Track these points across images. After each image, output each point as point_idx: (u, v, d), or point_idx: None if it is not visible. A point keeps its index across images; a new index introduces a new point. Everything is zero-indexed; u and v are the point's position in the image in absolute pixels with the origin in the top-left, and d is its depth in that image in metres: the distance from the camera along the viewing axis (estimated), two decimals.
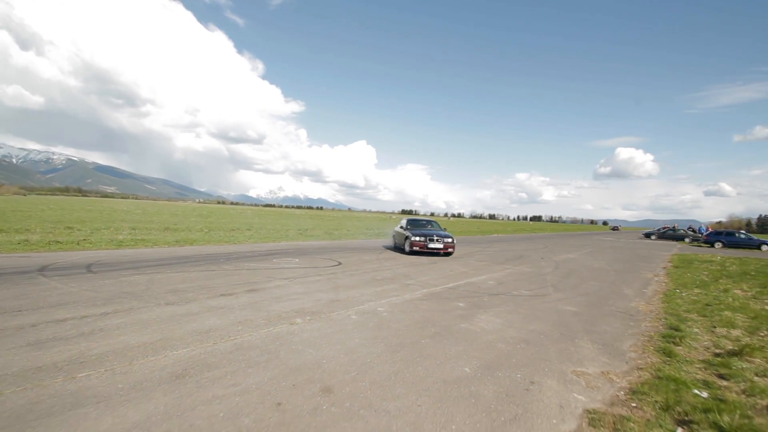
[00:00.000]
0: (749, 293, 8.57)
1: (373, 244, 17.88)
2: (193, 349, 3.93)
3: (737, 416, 2.96)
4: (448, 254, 13.84)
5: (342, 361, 3.79)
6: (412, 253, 13.59)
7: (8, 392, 2.94)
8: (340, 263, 10.67)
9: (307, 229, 28.35)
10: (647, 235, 41.92)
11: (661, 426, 2.87)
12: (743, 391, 3.51)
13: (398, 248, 15.26)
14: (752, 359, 4.30)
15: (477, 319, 5.62)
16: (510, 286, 8.38)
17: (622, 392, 3.46)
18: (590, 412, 3.06)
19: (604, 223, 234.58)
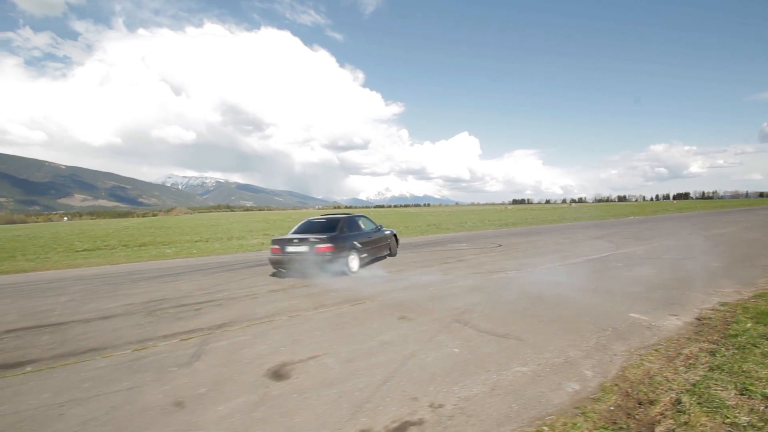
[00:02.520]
0: None
1: (508, 232, 20.27)
2: (474, 281, 7.28)
3: None
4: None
5: (557, 287, 6.70)
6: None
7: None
8: (500, 245, 13.56)
9: (435, 224, 31.81)
10: None
11: None
12: None
13: None
14: None
15: (635, 270, 7.96)
16: (658, 253, 10.20)
17: (747, 296, 5.65)
18: (722, 303, 5.41)
19: None
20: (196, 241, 21.65)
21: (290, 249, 8.20)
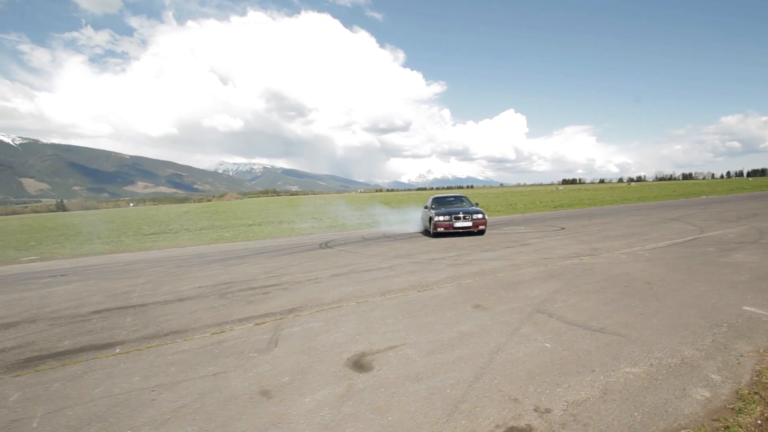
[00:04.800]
0: None
1: (566, 213, 19.06)
2: (546, 267, 6.79)
3: None
4: (481, 233, 11.86)
5: (645, 275, 6.04)
6: (437, 235, 11.80)
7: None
8: (563, 228, 12.71)
9: (483, 206, 30.78)
10: None
11: None
12: None
13: (427, 232, 13.31)
14: None
15: (732, 256, 7.02)
16: (753, 236, 8.99)
17: None
18: None
19: None
20: (250, 225, 22.50)
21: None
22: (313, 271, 7.59)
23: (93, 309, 5.68)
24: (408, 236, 13.09)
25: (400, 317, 4.59)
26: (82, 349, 4.08)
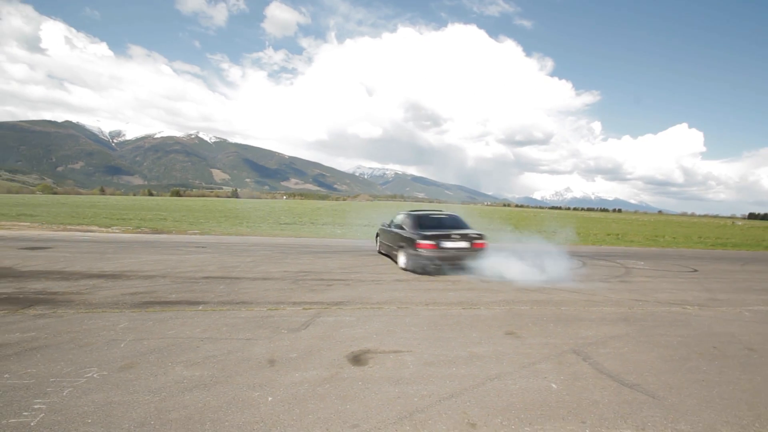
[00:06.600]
0: None
1: (720, 254, 15.36)
2: (629, 309, 5.95)
3: None
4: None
5: (752, 337, 4.79)
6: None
7: None
8: (695, 270, 10.48)
9: (618, 234, 26.71)
10: None
11: None
12: None
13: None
14: None
15: None
16: None
17: None
18: None
19: None
20: (365, 225, 24.31)
21: (449, 244, 7.97)
22: (381, 273, 8.09)
23: (205, 275, 7.26)
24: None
25: (425, 327, 4.72)
26: (180, 302, 5.39)
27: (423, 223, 8.85)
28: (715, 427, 2.78)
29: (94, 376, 3.20)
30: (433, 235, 8.00)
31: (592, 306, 6.04)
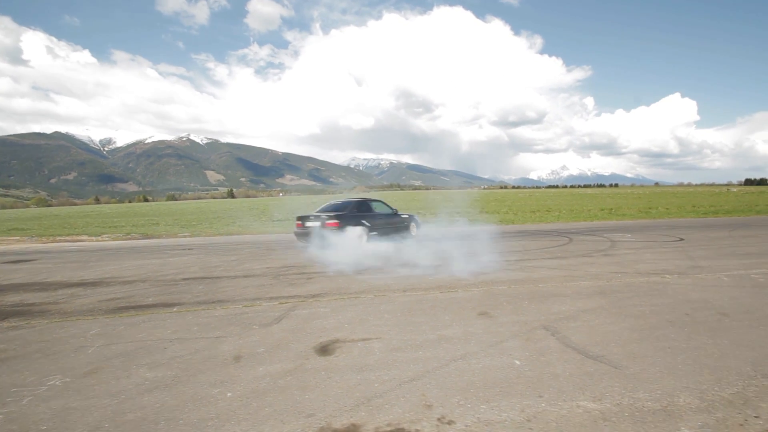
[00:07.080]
0: None
1: (710, 222, 15.43)
2: (606, 282, 5.97)
3: None
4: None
5: (726, 302, 4.81)
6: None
7: None
8: (681, 239, 10.51)
9: (611, 208, 26.76)
10: None
11: None
12: None
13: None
14: None
15: None
16: None
17: None
18: None
19: None
20: None
21: (309, 224, 10.16)
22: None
23: (186, 277, 7.24)
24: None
25: (399, 314, 4.71)
26: (155, 305, 5.37)
27: (321, 208, 11.05)
28: (673, 394, 2.78)
29: (57, 383, 3.18)
30: (301, 216, 10.51)
31: (570, 281, 6.05)
